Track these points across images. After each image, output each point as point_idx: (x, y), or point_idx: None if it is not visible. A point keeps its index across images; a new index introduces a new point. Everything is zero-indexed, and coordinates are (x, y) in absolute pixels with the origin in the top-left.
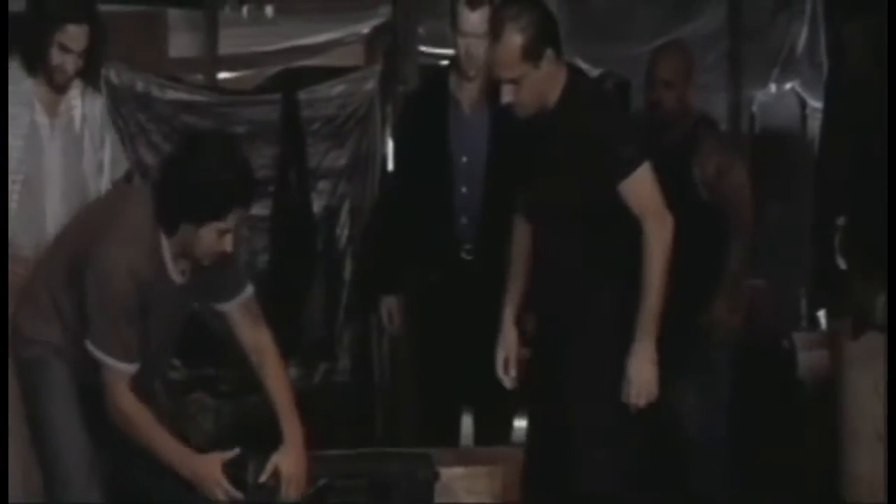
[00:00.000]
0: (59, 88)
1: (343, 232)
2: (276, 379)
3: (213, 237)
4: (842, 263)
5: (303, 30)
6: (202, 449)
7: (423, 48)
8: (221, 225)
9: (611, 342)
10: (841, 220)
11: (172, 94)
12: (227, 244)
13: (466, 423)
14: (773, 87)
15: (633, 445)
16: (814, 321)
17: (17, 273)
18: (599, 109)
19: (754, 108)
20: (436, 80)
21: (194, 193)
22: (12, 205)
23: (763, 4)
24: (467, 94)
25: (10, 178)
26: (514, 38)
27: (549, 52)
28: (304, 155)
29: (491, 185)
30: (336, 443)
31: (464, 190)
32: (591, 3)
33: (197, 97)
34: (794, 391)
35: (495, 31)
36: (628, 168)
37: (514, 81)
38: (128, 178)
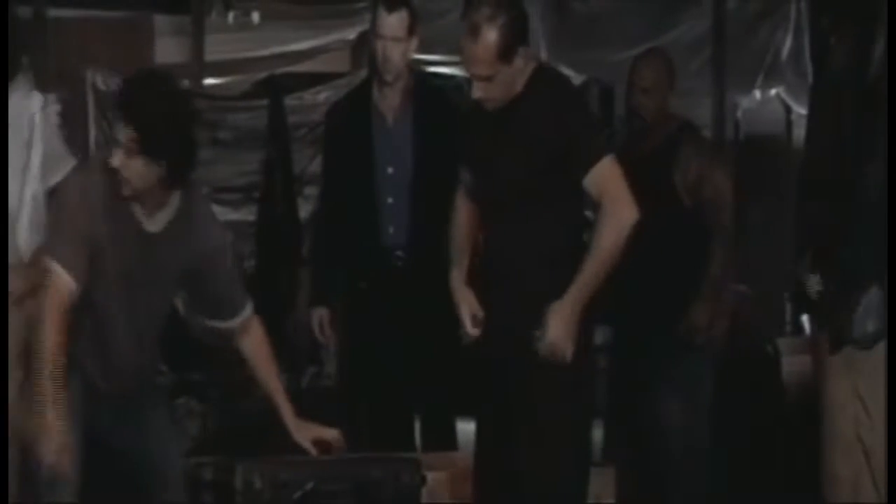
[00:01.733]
0: None
1: None
2: (266, 367)
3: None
4: (816, 284)
5: (289, 36)
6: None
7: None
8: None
9: None
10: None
11: None
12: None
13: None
14: (757, 94)
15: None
16: (798, 326)
17: None
18: (564, 100)
19: (739, 115)
20: (358, 91)
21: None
22: None
23: (747, 11)
24: (389, 103)
25: None
26: (491, 38)
27: (520, 50)
28: (289, 160)
29: (418, 194)
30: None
31: (390, 200)
32: (577, 10)
33: None
34: (779, 396)
35: (472, 30)
36: (592, 159)
37: (487, 79)
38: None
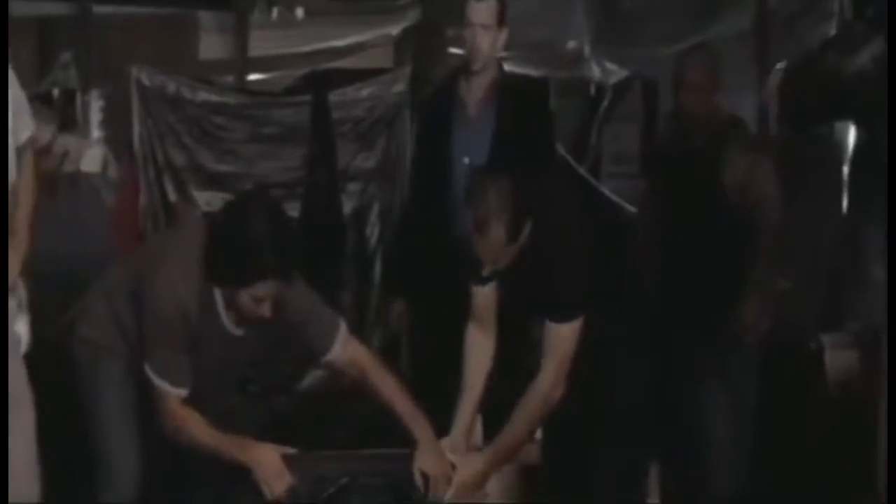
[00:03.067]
0: None
1: (372, 233)
2: (387, 384)
3: (249, 301)
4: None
5: (332, 32)
6: None
7: (451, 50)
8: (253, 292)
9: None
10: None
11: (203, 96)
12: (265, 310)
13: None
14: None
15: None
16: (841, 321)
17: None
18: (565, 248)
19: None
20: (446, 83)
21: (228, 258)
22: None
23: (790, 6)
24: (473, 94)
25: None
26: (499, 234)
27: (528, 225)
28: (333, 156)
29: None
30: (364, 443)
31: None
32: (621, 6)
33: (227, 99)
34: (822, 392)
35: (480, 225)
36: (568, 315)
37: (496, 261)
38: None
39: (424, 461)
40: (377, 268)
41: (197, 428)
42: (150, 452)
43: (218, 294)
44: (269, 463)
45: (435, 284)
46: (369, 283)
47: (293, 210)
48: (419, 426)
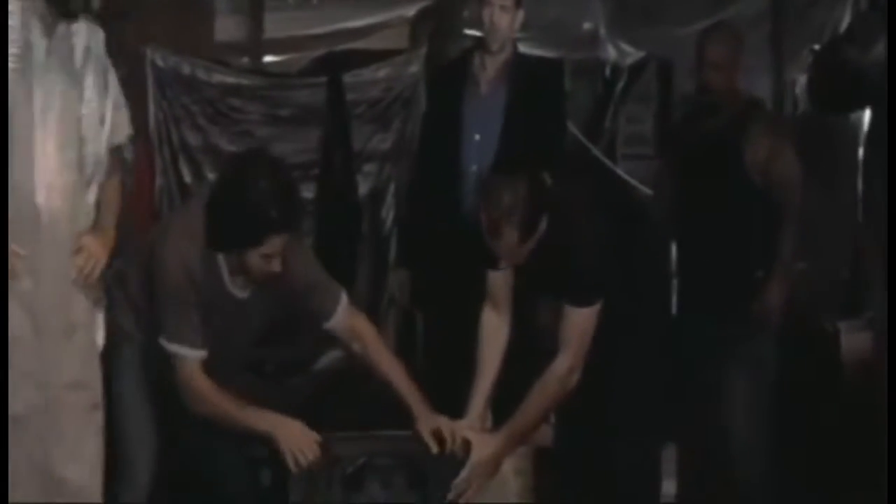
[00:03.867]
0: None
1: (388, 214)
2: (384, 357)
3: (259, 260)
4: None
5: (347, 13)
6: None
7: (467, 31)
8: (263, 250)
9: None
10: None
11: (218, 77)
12: (276, 265)
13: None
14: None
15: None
16: (858, 304)
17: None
18: (583, 233)
19: (797, 91)
20: (460, 60)
21: (232, 221)
22: None
23: None
24: (487, 72)
25: None
26: (512, 235)
27: (543, 218)
28: (348, 138)
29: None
30: (379, 424)
31: (474, 168)
32: None
33: (242, 80)
34: (838, 374)
35: (492, 228)
36: (587, 299)
37: (511, 258)
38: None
39: (424, 425)
40: (393, 249)
41: (219, 397)
42: (168, 438)
43: (222, 259)
44: (295, 432)
45: (446, 262)
46: (385, 265)
47: (308, 191)
48: (414, 399)
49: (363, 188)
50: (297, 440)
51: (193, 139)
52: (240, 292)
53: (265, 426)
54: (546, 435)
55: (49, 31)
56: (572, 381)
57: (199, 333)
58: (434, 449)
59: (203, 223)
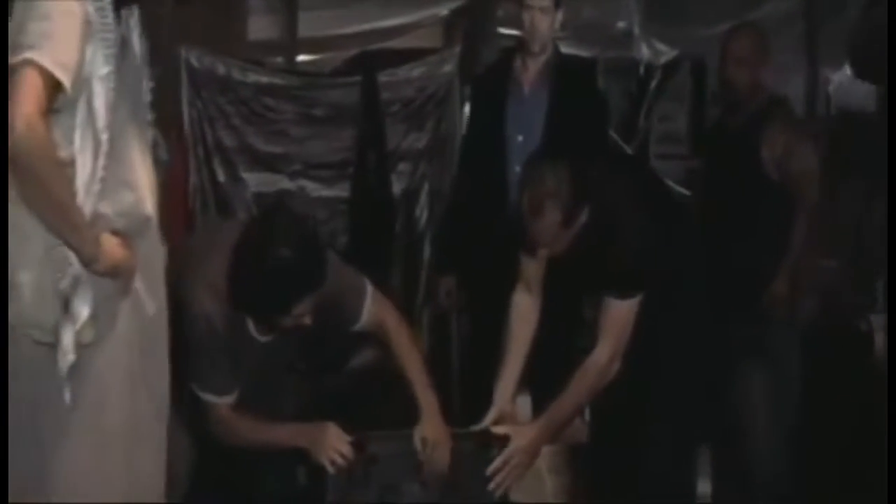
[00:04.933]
0: None
1: (422, 214)
2: (404, 351)
3: (290, 321)
4: None
5: (381, 12)
6: None
7: (501, 30)
8: (294, 313)
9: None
10: None
11: (253, 77)
12: (306, 320)
13: (525, 402)
14: (848, 69)
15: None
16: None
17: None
18: (624, 227)
19: (830, 89)
20: (501, 61)
21: (258, 293)
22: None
23: None
24: (528, 74)
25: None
26: (554, 216)
27: (585, 208)
28: (383, 137)
29: None
30: (415, 422)
31: (518, 170)
32: None
33: (277, 80)
34: (872, 373)
35: (533, 207)
36: (628, 292)
37: (550, 245)
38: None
39: (426, 428)
40: (426, 248)
41: (248, 430)
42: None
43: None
44: (328, 438)
45: (486, 263)
46: (419, 264)
47: (343, 191)
48: (425, 395)
49: (397, 187)
50: (331, 445)
51: (228, 139)
52: (265, 338)
53: (299, 441)
54: (582, 432)
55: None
56: (611, 373)
57: (228, 378)
58: (420, 449)
59: (225, 276)
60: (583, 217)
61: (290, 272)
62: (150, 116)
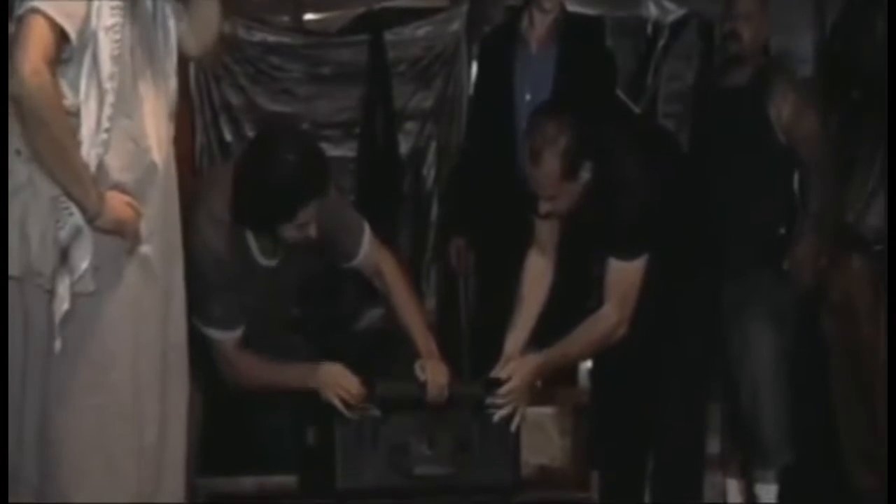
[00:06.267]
0: None
1: (430, 173)
2: (401, 297)
3: (294, 231)
4: None
5: None
6: None
7: None
8: (298, 222)
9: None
10: None
11: (259, 36)
12: (312, 231)
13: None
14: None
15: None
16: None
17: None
18: (629, 187)
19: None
20: (508, 20)
21: (262, 200)
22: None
23: None
24: (536, 32)
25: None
26: (553, 164)
27: (587, 164)
28: (390, 96)
29: None
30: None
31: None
32: None
33: (283, 39)
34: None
35: (533, 156)
36: (632, 253)
37: (552, 197)
38: None
39: (426, 367)
40: (434, 208)
41: (258, 368)
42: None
43: (250, 234)
44: (336, 375)
45: (494, 222)
46: (426, 224)
47: (350, 150)
48: (423, 337)
49: (404, 147)
50: (339, 383)
51: (234, 98)
52: (269, 261)
53: (307, 380)
54: (582, 396)
55: None
56: (616, 335)
57: (233, 313)
58: (421, 377)
59: (228, 204)
60: (585, 173)
61: (295, 176)
62: (172, 69)
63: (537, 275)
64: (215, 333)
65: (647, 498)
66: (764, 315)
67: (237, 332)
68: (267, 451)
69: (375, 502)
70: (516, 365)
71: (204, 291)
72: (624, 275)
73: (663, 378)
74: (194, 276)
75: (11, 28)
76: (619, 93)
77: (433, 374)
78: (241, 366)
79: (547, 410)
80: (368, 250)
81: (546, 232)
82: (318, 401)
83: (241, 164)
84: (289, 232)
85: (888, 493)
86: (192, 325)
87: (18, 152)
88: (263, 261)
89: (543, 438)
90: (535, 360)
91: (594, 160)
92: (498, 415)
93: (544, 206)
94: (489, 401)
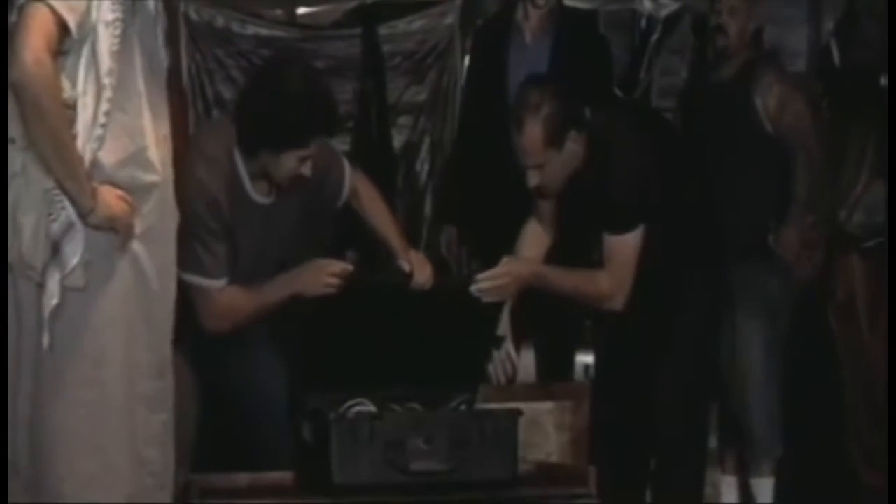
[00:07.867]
0: None
1: (423, 167)
2: (373, 204)
3: (293, 163)
4: None
5: None
6: None
7: None
8: (302, 152)
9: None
10: None
11: (252, 30)
12: (306, 169)
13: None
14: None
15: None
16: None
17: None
18: (620, 161)
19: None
20: (503, 11)
21: (277, 122)
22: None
23: None
24: (531, 22)
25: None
26: (535, 129)
27: (572, 133)
28: (384, 90)
29: None
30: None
31: None
32: None
33: (276, 32)
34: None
35: (517, 123)
36: (626, 226)
37: (539, 167)
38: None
39: (410, 259)
40: (427, 201)
41: (241, 300)
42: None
43: (243, 168)
44: (314, 270)
45: (487, 215)
46: (420, 217)
47: (344, 144)
48: (402, 245)
49: (398, 141)
50: (324, 271)
51: (227, 92)
52: (264, 198)
53: (293, 287)
54: (583, 390)
55: None
56: (610, 304)
57: (222, 264)
58: (406, 268)
59: (224, 141)
60: (572, 143)
61: (306, 105)
62: (166, 66)
63: (534, 237)
64: (202, 281)
65: (647, 496)
66: (754, 307)
67: (221, 283)
68: (262, 447)
69: (371, 498)
70: (510, 260)
71: (195, 238)
72: (618, 247)
73: (662, 374)
74: (188, 221)
75: (13, 17)
76: (613, 87)
77: (418, 263)
78: (223, 301)
79: (544, 406)
80: (351, 184)
81: (545, 206)
82: (315, 396)
83: (258, 83)
84: (290, 163)
85: (888, 492)
86: (182, 320)
87: (13, 140)
88: (258, 198)
89: (541, 434)
90: (529, 264)
91: (582, 131)
92: (478, 289)
93: (532, 177)
94: (474, 288)
